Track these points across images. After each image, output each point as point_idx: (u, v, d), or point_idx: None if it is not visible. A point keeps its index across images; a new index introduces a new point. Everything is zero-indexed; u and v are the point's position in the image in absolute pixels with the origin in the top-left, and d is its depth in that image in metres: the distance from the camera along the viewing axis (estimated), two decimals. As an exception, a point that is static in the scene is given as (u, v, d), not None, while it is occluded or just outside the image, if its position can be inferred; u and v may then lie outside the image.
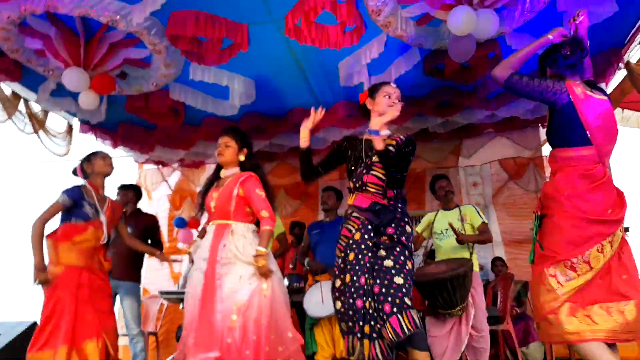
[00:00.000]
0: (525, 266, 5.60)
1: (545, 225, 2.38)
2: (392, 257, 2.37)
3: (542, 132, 6.10)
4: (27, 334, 3.81)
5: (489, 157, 6.26)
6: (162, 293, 4.70)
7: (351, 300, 2.32)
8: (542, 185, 2.50)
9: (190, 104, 4.46)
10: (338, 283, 2.46)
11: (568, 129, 2.36)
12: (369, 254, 2.40)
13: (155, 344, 5.43)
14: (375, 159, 2.55)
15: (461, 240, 3.69)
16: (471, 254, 3.75)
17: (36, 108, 4.75)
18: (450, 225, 3.71)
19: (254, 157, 3.09)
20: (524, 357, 4.62)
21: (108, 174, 3.55)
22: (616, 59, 4.23)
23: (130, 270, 4.25)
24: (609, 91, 4.81)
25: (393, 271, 2.33)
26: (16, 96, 4.49)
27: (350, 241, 2.47)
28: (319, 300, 3.66)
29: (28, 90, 4.47)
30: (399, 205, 2.55)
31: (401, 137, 2.62)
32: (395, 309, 2.24)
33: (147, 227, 4.45)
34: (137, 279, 4.30)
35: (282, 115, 5.18)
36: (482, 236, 3.81)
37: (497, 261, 5.49)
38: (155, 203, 6.77)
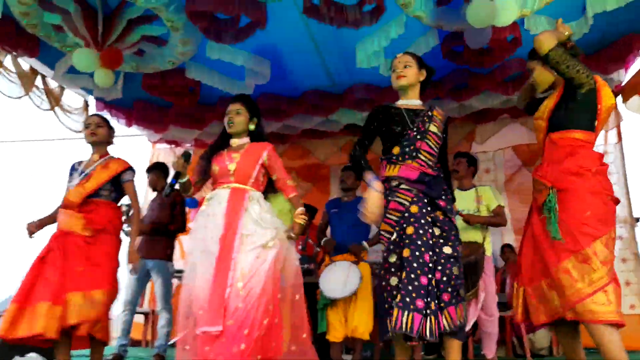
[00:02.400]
0: (535, 253, 5.62)
1: (567, 201, 2.33)
2: (450, 244, 2.36)
3: (558, 118, 6.04)
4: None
5: (503, 143, 6.21)
6: (176, 271, 4.77)
7: (413, 276, 2.25)
8: (560, 161, 2.40)
9: (206, 83, 4.46)
10: (394, 258, 2.36)
11: (589, 113, 2.46)
12: (430, 230, 2.36)
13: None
14: (432, 128, 2.53)
15: (468, 221, 3.66)
16: (484, 238, 3.72)
17: (53, 84, 4.77)
18: (456, 211, 3.69)
19: (263, 128, 3.02)
20: (531, 343, 4.64)
21: (89, 142, 3.29)
22: (638, 44, 4.17)
23: (157, 249, 4.34)
24: (628, 77, 4.76)
25: (452, 260, 2.33)
26: (34, 72, 4.52)
27: (407, 214, 2.38)
28: (338, 280, 3.68)
29: (45, 67, 4.50)
30: (443, 177, 2.57)
31: (443, 113, 2.66)
32: (454, 300, 2.26)
33: (175, 202, 4.52)
34: (164, 256, 4.38)
35: (296, 96, 5.18)
36: (494, 218, 3.75)
37: (506, 248, 5.49)
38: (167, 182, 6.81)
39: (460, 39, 3.80)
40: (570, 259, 2.27)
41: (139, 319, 5.96)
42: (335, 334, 3.71)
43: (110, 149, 3.38)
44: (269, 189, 2.91)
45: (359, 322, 3.61)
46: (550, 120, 2.51)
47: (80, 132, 4.95)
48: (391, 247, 2.39)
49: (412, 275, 2.25)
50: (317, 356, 2.75)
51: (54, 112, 4.71)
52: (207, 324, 2.38)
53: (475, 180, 4.14)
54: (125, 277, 4.23)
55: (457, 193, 3.97)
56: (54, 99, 4.67)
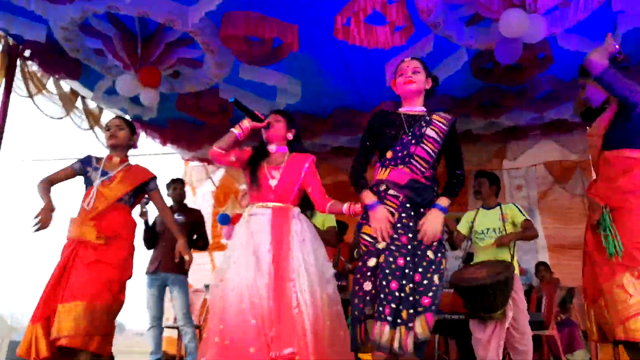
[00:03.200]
0: (569, 272, 5.50)
1: (622, 219, 2.31)
2: (433, 249, 2.27)
3: (591, 135, 5.95)
4: None
5: (535, 160, 6.15)
6: (207, 287, 4.83)
7: (384, 282, 2.17)
8: (614, 179, 2.39)
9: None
10: (373, 262, 2.27)
11: None
12: (409, 235, 2.26)
13: (198, 337, 5.59)
14: (429, 132, 2.39)
15: (500, 244, 3.65)
16: (512, 256, 3.69)
17: (92, 105, 4.97)
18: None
19: (301, 140, 2.97)
20: (569, 364, 4.54)
21: (109, 145, 3.16)
22: (673, 60, 4.11)
23: (179, 263, 4.40)
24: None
25: (434, 267, 2.24)
26: (74, 93, 4.72)
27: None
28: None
29: (85, 88, 4.70)
30: (435, 187, 2.42)
31: (449, 116, 2.49)
32: (433, 307, 2.15)
33: (194, 221, 4.58)
34: (185, 271, 4.44)
35: (326, 114, 5.25)
36: (525, 232, 3.72)
37: (540, 266, 5.39)
38: (200, 199, 6.95)
39: (490, 57, 3.82)
40: (626, 274, 2.24)
41: (172, 333, 6.05)
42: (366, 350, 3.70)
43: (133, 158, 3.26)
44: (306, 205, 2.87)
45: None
46: (605, 138, 2.47)
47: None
48: (371, 251, 2.30)
49: (384, 282, 2.17)
50: None
51: (93, 131, 4.89)
52: (282, 347, 2.30)
53: (507, 197, 4.12)
54: (142, 290, 4.31)
55: (482, 212, 3.96)
56: (94, 119, 4.86)
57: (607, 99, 2.58)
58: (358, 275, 2.29)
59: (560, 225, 5.81)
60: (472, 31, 3.60)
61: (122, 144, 3.15)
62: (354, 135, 5.57)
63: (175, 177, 4.69)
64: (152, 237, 4.41)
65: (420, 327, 2.12)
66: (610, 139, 2.45)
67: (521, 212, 3.83)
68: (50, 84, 4.50)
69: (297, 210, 2.74)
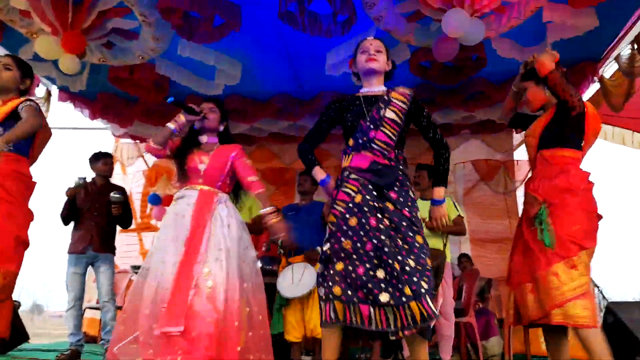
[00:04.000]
0: (489, 264, 5.84)
1: (558, 214, 2.55)
2: (411, 234, 2.22)
3: (516, 136, 6.30)
4: None
5: (463, 157, 6.43)
6: (134, 267, 4.70)
7: (350, 268, 2.17)
8: (552, 177, 2.62)
9: (175, 79, 4.44)
10: (326, 246, 2.27)
11: (578, 134, 2.69)
12: (376, 217, 2.23)
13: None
14: (388, 114, 2.36)
15: (430, 227, 3.79)
16: (444, 245, 3.87)
17: (15, 71, 4.63)
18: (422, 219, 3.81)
19: (229, 132, 3.09)
20: (484, 349, 4.81)
21: None
22: (591, 72, 4.41)
23: (109, 242, 4.25)
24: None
25: (418, 248, 2.19)
26: (-6, 56, 4.38)
27: (350, 204, 2.28)
28: (291, 281, 3.74)
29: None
30: (401, 166, 2.38)
31: (408, 91, 2.45)
32: (422, 290, 2.08)
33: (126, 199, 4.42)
34: (113, 250, 4.30)
35: (264, 99, 5.21)
36: (455, 227, 3.92)
37: (463, 257, 5.67)
38: (130, 178, 6.71)
39: (428, 55, 3.93)
40: (560, 263, 2.49)
41: (93, 314, 5.83)
42: (295, 334, 3.76)
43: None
44: (241, 189, 2.95)
45: (318, 322, 3.66)
46: (542, 137, 2.71)
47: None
48: (328, 236, 2.30)
49: (350, 267, 2.17)
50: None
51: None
52: (168, 324, 2.33)
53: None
54: (62, 271, 4.12)
55: (419, 203, 4.09)
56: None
57: (545, 104, 2.78)
58: (329, 253, 2.25)
59: (482, 220, 6.15)
60: (413, 28, 3.68)
61: (7, 87, 2.79)
62: (292, 122, 5.57)
63: (104, 151, 4.48)
64: (72, 213, 4.20)
65: (424, 310, 2.05)
66: (547, 139, 2.69)
67: (456, 207, 4.02)
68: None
69: (225, 196, 2.82)
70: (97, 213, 4.16)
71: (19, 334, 4.35)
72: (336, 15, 3.44)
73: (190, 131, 2.97)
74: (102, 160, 4.38)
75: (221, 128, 2.97)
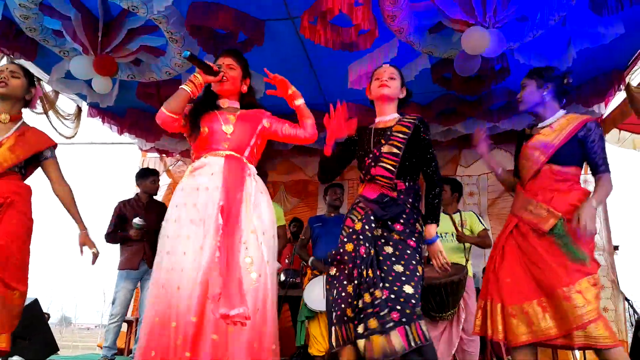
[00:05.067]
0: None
1: (574, 231, 2.39)
2: (402, 262, 2.23)
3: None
4: (28, 311, 3.85)
5: (487, 168, 6.36)
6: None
7: (340, 288, 2.26)
8: (564, 191, 2.53)
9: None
10: (333, 271, 2.34)
11: (582, 152, 2.58)
12: (371, 247, 2.26)
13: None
14: (385, 149, 2.40)
15: (460, 239, 3.77)
16: (467, 260, 3.84)
17: (47, 88, 4.81)
18: (453, 222, 3.79)
19: (254, 92, 2.62)
20: (510, 365, 4.71)
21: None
22: (618, 81, 4.35)
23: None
24: (608, 111, 4.95)
25: (403, 278, 2.18)
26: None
27: (351, 231, 2.35)
28: (320, 293, 3.74)
29: (41, 71, 4.53)
30: (410, 199, 2.38)
31: (412, 119, 2.46)
32: (404, 319, 2.08)
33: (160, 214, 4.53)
34: None
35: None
36: (482, 240, 3.89)
37: (488, 270, 5.59)
38: (156, 191, 6.83)
39: (450, 66, 3.94)
40: (584, 280, 2.35)
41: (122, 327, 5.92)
42: (319, 348, 3.75)
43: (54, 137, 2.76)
44: None
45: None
46: (556, 154, 2.56)
47: (71, 137, 4.98)
48: (330, 260, 2.38)
49: (340, 288, 2.26)
50: None
51: (47, 116, 4.73)
52: (228, 305, 1.88)
53: (459, 203, 4.27)
54: (90, 285, 4.21)
55: (442, 217, 4.08)
56: (49, 103, 4.70)
57: (535, 109, 2.72)
58: (329, 280, 2.35)
59: (508, 232, 6.04)
60: (434, 39, 3.70)
61: (13, 95, 2.65)
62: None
63: (152, 168, 4.61)
64: (118, 232, 4.31)
65: (394, 342, 2.05)
66: (561, 156, 2.55)
67: (480, 221, 3.99)
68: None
69: (254, 169, 2.32)
70: (146, 230, 4.26)
71: (49, 345, 4.45)
72: (358, 29, 3.48)
73: (206, 92, 2.45)
74: (151, 178, 4.53)
75: (245, 88, 2.48)
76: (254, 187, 2.22)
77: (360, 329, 2.11)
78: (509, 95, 4.68)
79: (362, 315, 2.13)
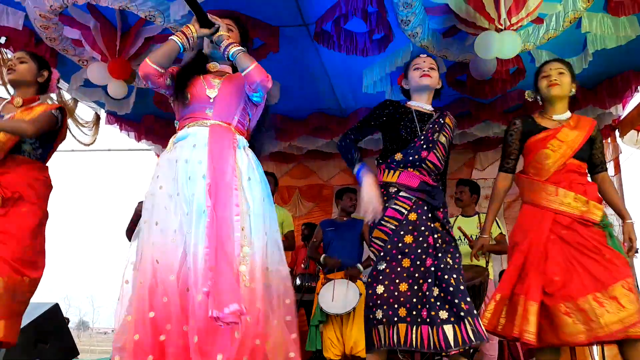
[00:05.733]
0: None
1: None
2: (449, 256, 2.26)
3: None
4: (49, 315, 3.92)
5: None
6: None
7: (413, 287, 2.17)
8: (591, 185, 2.66)
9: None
10: (383, 266, 2.22)
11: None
12: (433, 236, 2.25)
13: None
14: (442, 139, 2.41)
15: (474, 246, 3.75)
16: (487, 262, 3.81)
17: (66, 96, 4.89)
18: (461, 231, 3.77)
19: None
20: (528, 367, 4.67)
21: (9, 82, 2.68)
22: (636, 81, 4.31)
23: None
24: (625, 113, 4.90)
25: (456, 271, 2.21)
26: (49, 83, 4.63)
27: (404, 222, 2.27)
28: (338, 297, 3.75)
29: (60, 79, 4.62)
30: (444, 189, 2.48)
31: (453, 117, 2.55)
32: (475, 311, 2.14)
33: None
34: None
35: (303, 117, 5.30)
36: (497, 246, 3.86)
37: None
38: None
39: (465, 69, 3.93)
40: (631, 275, 2.37)
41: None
42: (335, 351, 3.76)
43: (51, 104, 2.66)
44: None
45: (359, 339, 3.66)
46: (580, 150, 2.61)
47: (89, 144, 5.05)
48: (383, 254, 2.26)
49: (415, 287, 2.17)
50: None
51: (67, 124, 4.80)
52: (220, 304, 1.62)
53: (476, 206, 4.26)
54: (108, 288, 4.21)
55: (461, 219, 4.08)
56: (68, 111, 4.77)
57: (560, 97, 2.69)
58: (369, 280, 2.27)
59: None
60: (449, 43, 3.70)
61: (23, 79, 2.62)
62: (329, 139, 5.64)
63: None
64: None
65: (471, 331, 2.05)
66: (582, 151, 2.64)
67: (498, 225, 3.96)
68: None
69: (243, 140, 2.06)
70: None
71: (70, 349, 4.52)
72: (372, 34, 3.50)
73: (197, 55, 2.23)
74: None
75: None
76: (245, 163, 1.96)
77: (443, 315, 2.09)
78: (523, 97, 4.65)
79: (440, 303, 2.12)
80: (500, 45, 3.21)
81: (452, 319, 2.08)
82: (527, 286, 2.43)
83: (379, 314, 2.17)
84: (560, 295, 2.37)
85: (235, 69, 2.18)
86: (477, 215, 4.04)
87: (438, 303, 2.12)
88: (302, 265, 4.91)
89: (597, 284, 2.32)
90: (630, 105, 4.80)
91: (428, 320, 2.10)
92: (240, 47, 2.07)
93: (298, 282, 4.67)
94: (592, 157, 2.68)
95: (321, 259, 4.17)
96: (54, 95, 4.70)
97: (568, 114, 2.71)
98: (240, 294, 1.67)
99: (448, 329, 2.07)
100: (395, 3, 3.15)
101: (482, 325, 2.12)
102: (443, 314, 2.09)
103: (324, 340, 3.88)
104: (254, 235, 1.84)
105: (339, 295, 3.76)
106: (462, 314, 2.08)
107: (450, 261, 2.24)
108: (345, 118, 5.24)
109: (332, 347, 3.78)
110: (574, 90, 2.70)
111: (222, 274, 1.67)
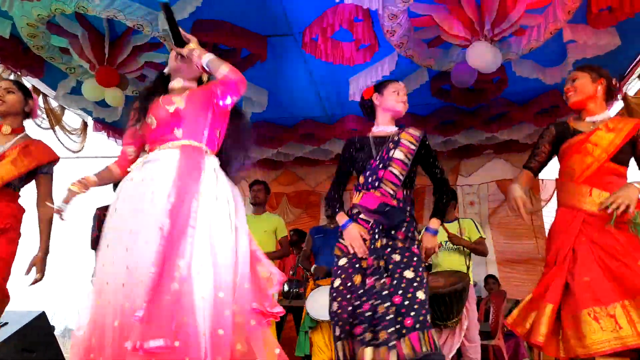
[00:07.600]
0: (517, 285, 5.78)
1: None
2: (411, 269, 2.28)
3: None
4: (35, 324, 3.88)
5: (487, 177, 6.44)
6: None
7: (344, 302, 2.29)
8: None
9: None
10: (337, 283, 2.35)
11: None
12: (384, 258, 2.31)
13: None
14: (396, 154, 2.42)
15: (453, 241, 3.82)
16: (468, 267, 3.87)
17: (53, 104, 4.89)
18: (445, 229, 3.81)
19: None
20: (513, 373, 4.74)
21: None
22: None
23: None
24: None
25: (415, 284, 2.23)
26: (36, 91, 4.63)
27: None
28: (325, 303, 3.78)
29: (47, 87, 4.62)
30: (408, 208, 2.45)
31: (418, 132, 2.51)
32: (418, 325, 2.13)
33: None
34: None
35: (291, 125, 5.34)
36: (477, 246, 3.92)
37: (489, 278, 5.63)
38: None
39: (449, 78, 4.01)
40: None
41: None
42: (323, 357, 3.79)
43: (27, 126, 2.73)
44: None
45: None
46: (617, 153, 2.46)
47: (78, 152, 5.05)
48: (338, 272, 2.39)
49: (357, 302, 2.26)
50: None
51: (54, 131, 4.81)
52: (146, 336, 1.53)
53: (460, 212, 4.33)
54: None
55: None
56: (55, 119, 4.77)
57: (585, 103, 2.56)
58: (341, 289, 2.35)
59: (509, 241, 6.11)
60: (434, 53, 3.78)
61: (12, 110, 2.66)
62: (317, 146, 5.70)
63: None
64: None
65: (406, 347, 2.10)
66: (619, 154, 2.46)
67: (477, 229, 4.04)
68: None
69: (214, 160, 1.96)
70: None
71: (57, 357, 4.48)
72: (358, 43, 3.56)
73: (158, 77, 2.16)
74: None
75: (205, 78, 2.11)
76: (212, 184, 1.87)
77: (367, 337, 2.14)
78: (507, 105, 4.75)
79: (372, 324, 2.16)
80: (490, 59, 3.27)
81: (394, 337, 2.11)
82: (548, 287, 2.36)
83: (337, 331, 2.30)
84: (592, 300, 2.23)
85: (200, 83, 2.15)
86: (456, 221, 4.11)
87: (383, 321, 2.16)
88: (290, 272, 4.93)
89: (624, 291, 2.20)
90: (610, 114, 4.90)
91: (360, 338, 2.18)
92: (211, 54, 2.03)
93: (286, 288, 4.68)
94: (638, 158, 2.50)
95: (312, 269, 4.21)
96: (41, 103, 4.72)
97: (606, 114, 2.57)
98: (172, 328, 1.57)
99: (391, 348, 2.10)
100: (381, 15, 3.21)
101: (421, 341, 2.12)
102: (382, 334, 2.12)
103: (312, 345, 3.90)
104: (206, 259, 1.73)
105: (326, 301, 3.78)
106: (403, 331, 2.12)
107: (412, 274, 2.26)
108: (332, 125, 5.30)
109: (320, 353, 3.81)
110: (600, 87, 2.54)
111: (158, 302, 1.60)
